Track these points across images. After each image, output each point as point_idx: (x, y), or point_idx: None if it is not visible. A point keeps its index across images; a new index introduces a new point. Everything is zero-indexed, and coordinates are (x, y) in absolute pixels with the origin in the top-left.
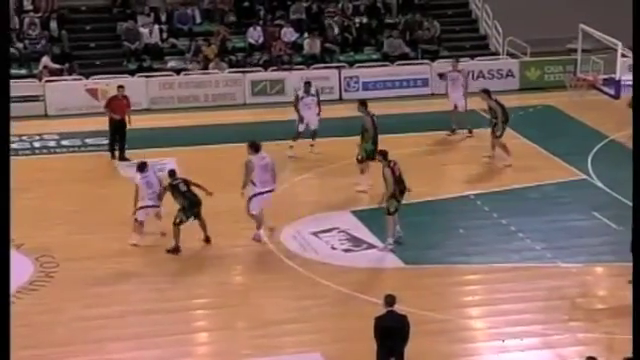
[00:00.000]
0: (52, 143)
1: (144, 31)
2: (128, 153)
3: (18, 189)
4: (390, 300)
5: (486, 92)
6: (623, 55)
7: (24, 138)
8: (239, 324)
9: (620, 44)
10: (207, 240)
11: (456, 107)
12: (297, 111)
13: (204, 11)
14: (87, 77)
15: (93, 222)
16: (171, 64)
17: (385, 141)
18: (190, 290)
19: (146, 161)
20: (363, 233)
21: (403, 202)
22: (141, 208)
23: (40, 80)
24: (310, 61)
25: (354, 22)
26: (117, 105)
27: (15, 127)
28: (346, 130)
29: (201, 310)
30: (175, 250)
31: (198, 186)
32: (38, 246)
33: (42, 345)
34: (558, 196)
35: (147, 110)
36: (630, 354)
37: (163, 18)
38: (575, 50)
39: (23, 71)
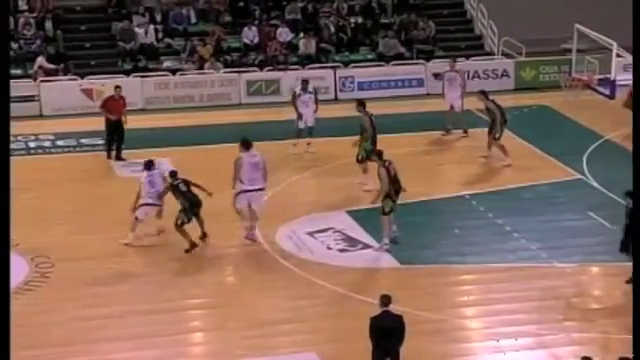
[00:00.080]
0: (47, 143)
1: (139, 31)
2: (124, 153)
3: (14, 189)
4: (385, 300)
5: (483, 93)
6: (618, 55)
7: (19, 138)
8: (234, 324)
9: (615, 44)
10: (204, 236)
11: (452, 107)
12: (295, 108)
13: (199, 11)
14: (82, 77)
15: (89, 222)
16: (166, 64)
17: (380, 141)
18: (186, 290)
19: (153, 159)
20: (358, 233)
21: (398, 202)
22: (141, 206)
23: (35, 80)
24: (305, 61)
25: (349, 22)
26: (113, 105)
27: (10, 127)
28: (342, 130)
29: (196, 310)
30: (192, 247)
31: (198, 186)
32: (33, 246)
33: (40, 345)
34: (553, 196)
35: (142, 110)
36: (625, 354)
37: (158, 18)
38: (570, 50)
39: (18, 71)
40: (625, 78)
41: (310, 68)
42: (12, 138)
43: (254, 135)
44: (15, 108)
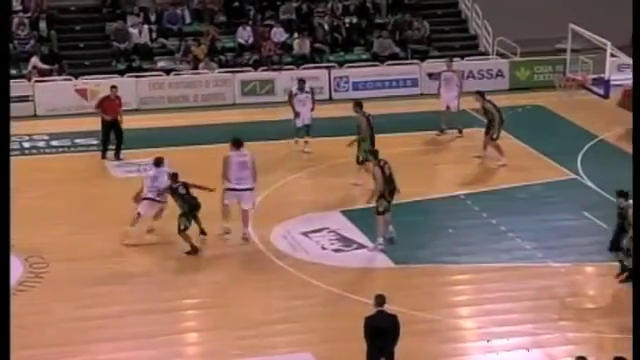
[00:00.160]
0: (42, 143)
1: (133, 31)
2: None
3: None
4: (380, 300)
5: (480, 94)
6: (612, 55)
7: (13, 138)
8: (230, 324)
9: (609, 44)
10: (203, 232)
11: (448, 107)
12: (292, 107)
13: (194, 11)
14: (76, 77)
15: (83, 222)
16: (161, 64)
17: (375, 141)
18: (181, 291)
19: (162, 157)
20: (353, 233)
21: (393, 202)
22: (142, 199)
23: (29, 80)
24: (300, 61)
25: (344, 22)
26: (109, 105)
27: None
28: (336, 130)
29: (192, 310)
30: (193, 251)
31: (198, 187)
32: (28, 246)
33: (36, 345)
34: (548, 196)
35: (137, 110)
36: (619, 353)
37: (152, 18)
38: (564, 50)
39: (12, 71)
40: (619, 78)
41: (304, 68)
42: None
43: (248, 135)
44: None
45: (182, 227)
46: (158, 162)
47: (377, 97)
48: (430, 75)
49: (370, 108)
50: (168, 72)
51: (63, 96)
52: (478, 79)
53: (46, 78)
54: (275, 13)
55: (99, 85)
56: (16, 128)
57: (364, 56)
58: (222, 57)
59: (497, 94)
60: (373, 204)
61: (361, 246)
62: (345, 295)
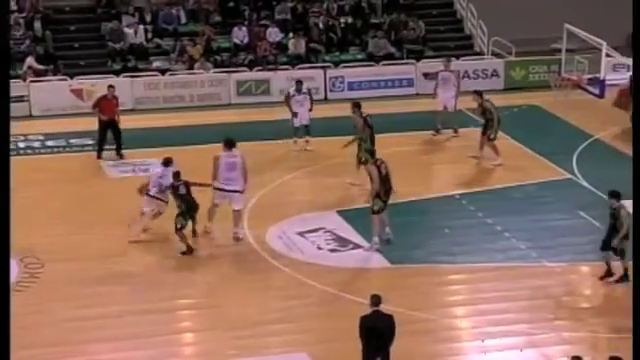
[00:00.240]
0: (37, 144)
1: (129, 31)
2: (112, 153)
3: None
4: (376, 300)
5: (478, 93)
6: (607, 55)
7: None
8: (225, 324)
9: (604, 44)
10: (194, 233)
11: (445, 107)
12: (289, 107)
13: (189, 11)
14: (72, 77)
15: (79, 223)
16: (156, 64)
17: None
18: (176, 291)
19: (171, 157)
20: (349, 233)
21: (389, 202)
22: (146, 195)
23: (24, 80)
24: (295, 61)
25: (339, 22)
26: (106, 105)
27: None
28: (332, 130)
29: (187, 310)
30: (189, 251)
31: (197, 184)
32: (23, 247)
33: (32, 345)
34: (543, 195)
35: (132, 110)
36: (615, 352)
37: (148, 18)
38: (560, 50)
39: None
40: (614, 78)
41: (300, 68)
42: None
43: (244, 135)
44: None
45: (179, 226)
46: (167, 162)
47: (372, 97)
48: (426, 75)
49: (366, 108)
50: (163, 72)
51: (58, 96)
52: (473, 79)
53: (41, 78)
54: (270, 13)
55: (94, 85)
56: (11, 128)
57: (359, 56)
58: (217, 57)
59: (492, 94)
60: (370, 204)
61: (357, 246)
62: (341, 295)
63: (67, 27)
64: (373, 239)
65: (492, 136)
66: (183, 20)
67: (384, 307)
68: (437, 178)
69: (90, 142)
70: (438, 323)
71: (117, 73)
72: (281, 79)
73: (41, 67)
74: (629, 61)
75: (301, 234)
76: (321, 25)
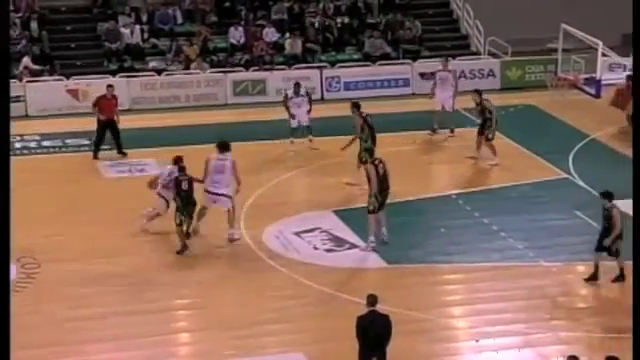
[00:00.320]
0: (33, 144)
1: (125, 31)
2: (109, 153)
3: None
4: (372, 300)
5: (477, 92)
6: (604, 55)
7: None
8: (221, 324)
9: (601, 44)
10: (187, 235)
11: (443, 107)
12: (287, 109)
13: (185, 11)
14: (68, 78)
15: (75, 223)
16: (152, 64)
17: None
18: (173, 291)
19: (182, 156)
20: (345, 233)
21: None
22: (157, 194)
23: (21, 80)
24: (291, 61)
25: (335, 22)
26: (105, 105)
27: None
28: (328, 130)
29: (184, 310)
30: (183, 249)
31: (197, 180)
32: (19, 247)
33: (29, 346)
34: (539, 195)
35: (129, 110)
36: (611, 352)
37: (144, 18)
38: (556, 50)
39: None
40: (610, 77)
41: (296, 68)
42: None
43: (240, 135)
44: None
45: (178, 221)
46: (177, 161)
47: (369, 97)
48: (422, 75)
49: (362, 108)
50: (160, 72)
51: (54, 96)
52: (470, 79)
53: (37, 78)
54: (267, 13)
55: (90, 85)
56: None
57: (356, 56)
58: (214, 57)
59: (488, 94)
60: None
61: (353, 246)
62: (337, 295)
63: (63, 27)
64: (370, 238)
65: (490, 136)
66: (179, 20)
67: (380, 307)
68: (433, 178)
69: (86, 142)
70: (434, 323)
71: (113, 73)
72: (277, 79)
73: (37, 67)
74: (625, 61)
75: (297, 234)
76: (317, 25)
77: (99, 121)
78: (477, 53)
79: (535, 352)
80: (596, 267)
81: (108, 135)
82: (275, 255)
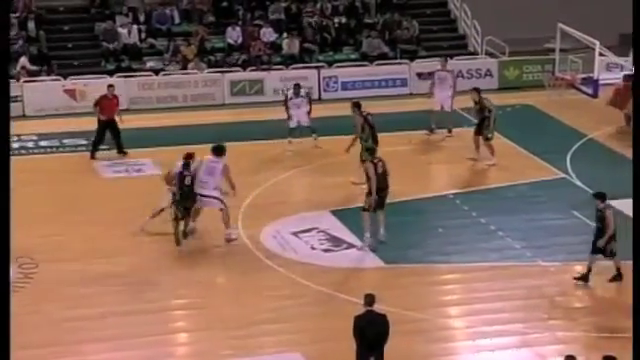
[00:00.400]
0: (30, 144)
1: (122, 31)
2: (106, 153)
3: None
4: (370, 300)
5: (477, 91)
6: (601, 54)
7: None
8: (219, 324)
9: (598, 43)
10: (184, 235)
11: (442, 107)
12: (286, 109)
13: (183, 11)
14: (65, 77)
15: (72, 223)
16: (150, 64)
17: None
18: (170, 291)
19: (193, 153)
20: (343, 233)
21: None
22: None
23: (18, 80)
24: (289, 61)
25: (333, 22)
26: (107, 104)
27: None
28: (325, 130)
29: (181, 310)
30: (176, 243)
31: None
32: (17, 247)
33: (27, 346)
34: (537, 195)
35: (126, 110)
36: (609, 352)
37: (142, 18)
38: (553, 49)
39: None
40: (608, 77)
41: (294, 68)
42: None
43: (238, 135)
44: None
45: (173, 216)
46: (188, 158)
47: (366, 97)
48: (420, 75)
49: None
50: (157, 72)
51: (52, 96)
52: (467, 79)
53: (35, 78)
54: (264, 13)
55: (88, 85)
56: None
57: (353, 56)
58: (211, 57)
59: (486, 94)
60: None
61: (350, 246)
62: (335, 295)
63: (61, 27)
64: (365, 235)
65: (489, 136)
66: (177, 20)
67: (378, 307)
68: (431, 178)
69: (84, 142)
70: (432, 323)
71: (111, 73)
72: (275, 79)
73: (34, 68)
74: (622, 60)
75: (295, 234)
76: (315, 25)
77: (99, 121)
78: (475, 53)
79: (533, 352)
80: (589, 269)
81: (107, 136)
82: (273, 255)
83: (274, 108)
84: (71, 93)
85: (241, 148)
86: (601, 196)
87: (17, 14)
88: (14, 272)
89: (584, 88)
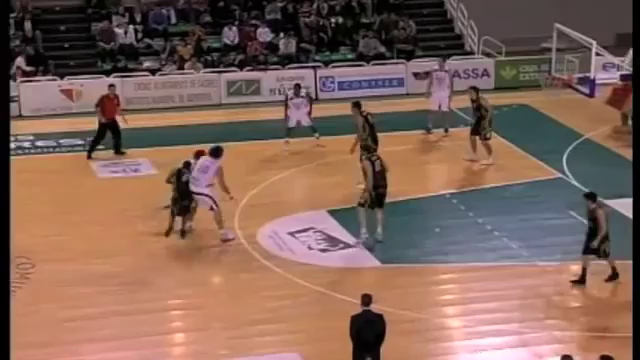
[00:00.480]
0: (27, 144)
1: (119, 31)
2: (105, 153)
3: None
4: (366, 299)
5: (475, 90)
6: (597, 54)
7: None
8: (216, 324)
9: (594, 43)
10: (182, 234)
11: (440, 107)
12: (285, 109)
13: (179, 11)
14: (62, 78)
15: (69, 223)
16: (146, 64)
17: None
18: (168, 291)
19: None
20: (339, 233)
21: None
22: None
23: (14, 80)
24: (286, 61)
25: (329, 22)
26: (108, 104)
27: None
28: (322, 130)
29: (178, 311)
30: (167, 233)
31: None
32: (14, 247)
33: (25, 346)
34: (533, 195)
35: (123, 110)
36: (605, 352)
37: (138, 18)
38: (550, 49)
39: None
40: (604, 77)
41: (290, 68)
42: None
43: (234, 135)
44: None
45: (171, 210)
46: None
47: (363, 97)
48: (416, 75)
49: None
50: (154, 72)
51: (48, 96)
52: (464, 78)
53: (31, 78)
54: (261, 13)
55: (84, 85)
56: None
57: (350, 56)
58: (208, 57)
59: (483, 93)
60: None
61: (347, 245)
62: (332, 295)
63: (57, 27)
64: (361, 230)
65: (488, 135)
66: (173, 20)
67: (375, 306)
68: (427, 178)
69: (80, 142)
70: (429, 322)
71: (107, 73)
72: (271, 79)
73: (30, 69)
74: (619, 60)
75: (292, 234)
76: (311, 25)
77: (100, 123)
78: (471, 53)
79: (529, 351)
80: (584, 270)
81: (107, 136)
82: (270, 255)
83: (271, 108)
84: (68, 93)
85: (238, 148)
86: (592, 196)
87: (14, 14)
88: (11, 272)
89: (580, 88)
